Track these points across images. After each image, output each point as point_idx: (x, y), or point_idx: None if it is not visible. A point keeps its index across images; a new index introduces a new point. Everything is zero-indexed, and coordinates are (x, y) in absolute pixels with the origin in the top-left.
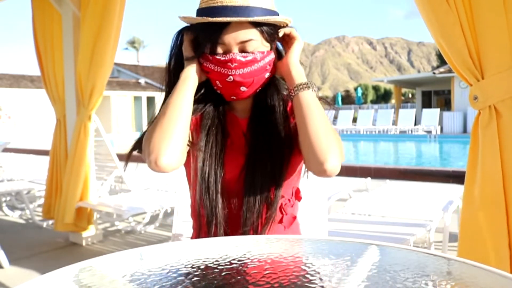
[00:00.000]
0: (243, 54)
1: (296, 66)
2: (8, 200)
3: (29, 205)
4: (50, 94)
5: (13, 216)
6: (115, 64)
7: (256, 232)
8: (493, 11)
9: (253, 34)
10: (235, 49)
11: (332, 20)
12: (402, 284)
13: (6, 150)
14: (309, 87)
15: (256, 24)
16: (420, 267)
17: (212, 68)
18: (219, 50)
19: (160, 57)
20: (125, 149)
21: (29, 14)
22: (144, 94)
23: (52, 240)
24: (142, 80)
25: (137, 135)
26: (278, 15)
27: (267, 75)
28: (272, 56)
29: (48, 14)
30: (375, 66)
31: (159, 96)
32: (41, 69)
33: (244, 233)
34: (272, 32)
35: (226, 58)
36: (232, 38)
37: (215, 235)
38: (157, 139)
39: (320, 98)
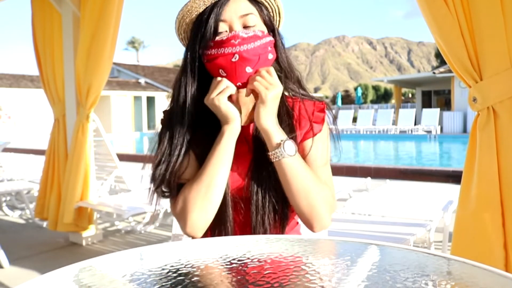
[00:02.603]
0: (245, 30)
1: (264, 130)
2: (8, 200)
3: (29, 205)
4: (49, 94)
5: (13, 216)
6: (115, 64)
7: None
8: (491, 14)
9: (253, 9)
10: (237, 24)
11: (332, 20)
12: (402, 284)
13: (6, 150)
14: (282, 154)
15: (253, 3)
16: (420, 267)
17: (215, 52)
18: (222, 28)
19: (160, 57)
20: (125, 149)
21: (29, 14)
22: (144, 94)
23: (52, 240)
24: (142, 80)
25: (137, 135)
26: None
27: (270, 56)
28: (271, 39)
29: (48, 14)
30: (375, 66)
31: (159, 96)
32: (39, 69)
33: None
34: (268, 17)
35: (229, 36)
36: (233, 12)
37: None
38: (195, 216)
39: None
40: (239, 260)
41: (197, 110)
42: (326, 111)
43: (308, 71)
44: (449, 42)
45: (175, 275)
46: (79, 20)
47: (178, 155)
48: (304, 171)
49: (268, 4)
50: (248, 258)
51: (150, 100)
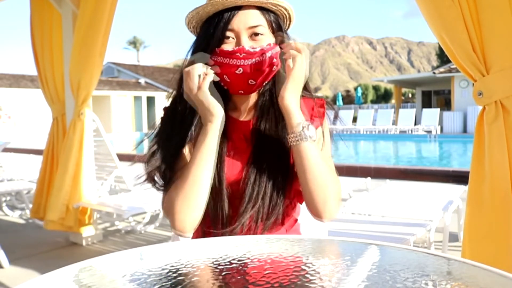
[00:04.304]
0: (251, 44)
1: (287, 110)
2: (8, 200)
3: (29, 205)
4: (47, 93)
5: (13, 216)
6: (115, 64)
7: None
8: (497, 5)
9: (261, 20)
10: (244, 35)
11: (332, 20)
12: (402, 284)
13: (6, 150)
14: (304, 138)
15: (263, 12)
16: (420, 267)
17: (221, 60)
18: (228, 35)
19: (160, 57)
20: (125, 149)
21: (29, 14)
22: (144, 94)
23: (52, 240)
24: (142, 80)
25: (137, 135)
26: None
27: (274, 68)
28: (277, 49)
29: (47, 13)
30: (375, 66)
31: (159, 96)
32: (37, 68)
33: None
34: (277, 23)
35: (235, 49)
36: (241, 23)
37: (219, 234)
38: (181, 215)
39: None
40: (239, 260)
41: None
42: (327, 109)
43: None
44: (454, 35)
45: (175, 275)
46: None
47: (175, 149)
48: (320, 159)
49: (280, 12)
50: (248, 258)
51: (150, 100)
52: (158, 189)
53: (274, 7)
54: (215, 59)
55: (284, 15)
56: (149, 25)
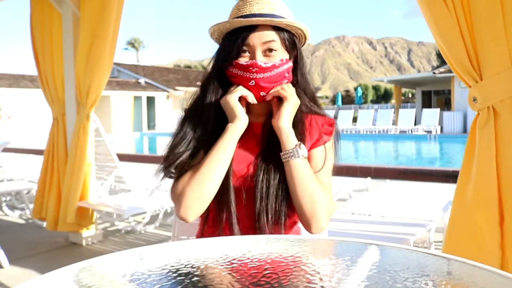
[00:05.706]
0: (264, 59)
1: (284, 131)
2: (8, 200)
3: (29, 205)
4: (47, 93)
5: (13, 216)
6: (115, 64)
7: (270, 232)
8: (491, 15)
9: (275, 37)
10: (259, 50)
11: (332, 20)
12: (402, 284)
13: (6, 150)
14: (296, 154)
15: (278, 31)
16: (420, 267)
17: (236, 72)
18: (244, 51)
19: (160, 57)
20: (125, 149)
21: (29, 14)
22: (144, 94)
23: (52, 240)
24: (142, 80)
25: (137, 135)
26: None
27: (284, 81)
28: (290, 64)
29: (47, 13)
30: (375, 66)
31: (159, 96)
32: (37, 68)
33: (259, 233)
34: (291, 41)
35: (248, 63)
36: (257, 38)
37: (227, 228)
38: (190, 202)
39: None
40: (239, 260)
41: (218, 113)
42: (335, 127)
43: (308, 71)
44: (449, 43)
45: (175, 275)
46: (79, 19)
47: (194, 148)
48: (310, 174)
49: (295, 31)
50: (248, 258)
51: (150, 100)
52: (170, 177)
53: (288, 27)
54: (232, 70)
55: (299, 34)
56: (149, 25)
